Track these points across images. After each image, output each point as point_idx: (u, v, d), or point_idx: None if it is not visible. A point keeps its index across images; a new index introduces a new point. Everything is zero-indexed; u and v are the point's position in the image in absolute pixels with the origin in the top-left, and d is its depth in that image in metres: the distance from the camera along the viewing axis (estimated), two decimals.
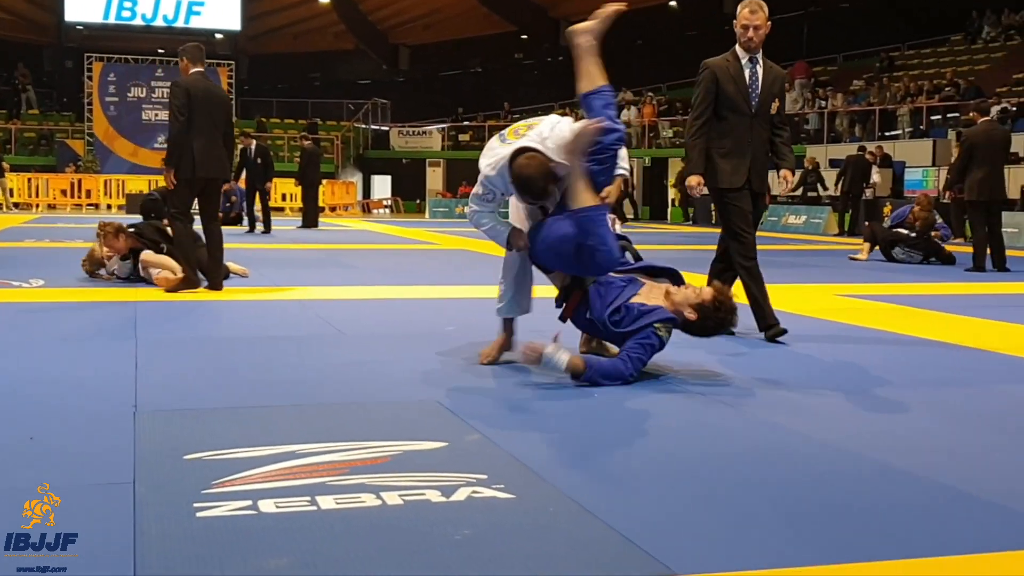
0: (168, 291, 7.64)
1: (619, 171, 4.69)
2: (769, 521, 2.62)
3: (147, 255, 8.17)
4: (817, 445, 3.44)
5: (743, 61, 5.80)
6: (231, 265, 8.74)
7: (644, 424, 3.72)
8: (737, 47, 5.84)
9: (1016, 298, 8.77)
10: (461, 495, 2.76)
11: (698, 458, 3.28)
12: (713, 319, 4.52)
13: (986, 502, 2.82)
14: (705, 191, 5.81)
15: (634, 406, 3.99)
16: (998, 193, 11.35)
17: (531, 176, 4.43)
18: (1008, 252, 11.57)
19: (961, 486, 2.97)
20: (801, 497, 2.85)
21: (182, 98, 7.69)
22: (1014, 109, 22.63)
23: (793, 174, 5.94)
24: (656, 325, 4.41)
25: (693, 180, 5.79)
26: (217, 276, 7.92)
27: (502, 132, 4.78)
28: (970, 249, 11.67)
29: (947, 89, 25.17)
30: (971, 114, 15.10)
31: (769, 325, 5.67)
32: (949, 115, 24.05)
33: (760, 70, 5.80)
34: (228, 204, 17.93)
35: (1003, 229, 11.81)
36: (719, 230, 6.09)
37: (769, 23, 5.81)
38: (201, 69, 8.01)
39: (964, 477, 3.07)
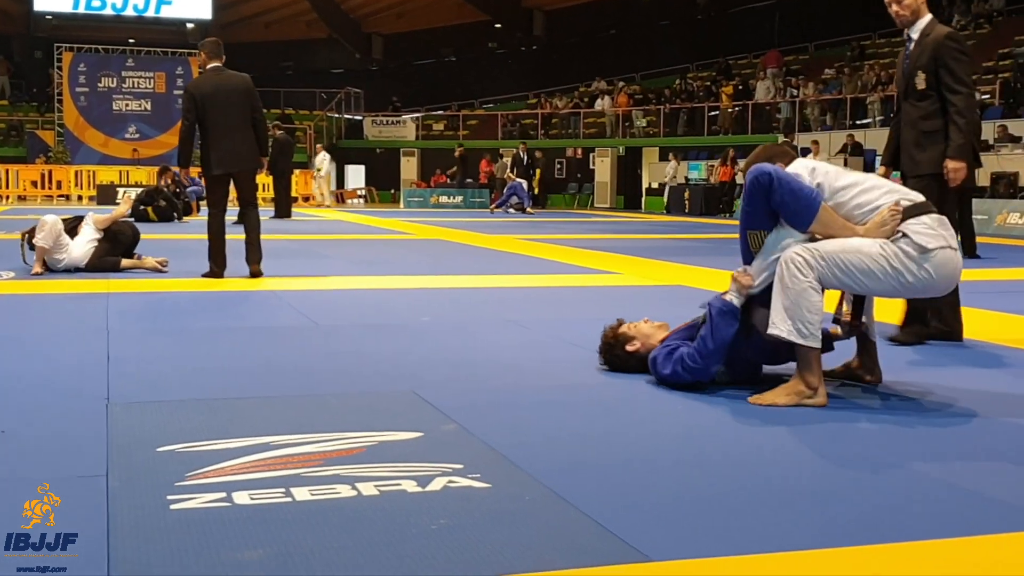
0: (203, 276, 8.12)
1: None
2: (743, 508, 2.64)
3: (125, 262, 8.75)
4: (793, 436, 3.46)
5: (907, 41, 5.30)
6: (147, 259, 8.79)
7: (620, 415, 3.72)
8: None
9: (986, 284, 8.85)
10: (437, 485, 2.76)
11: (673, 448, 3.30)
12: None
13: (964, 489, 2.85)
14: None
15: (611, 398, 4.00)
16: (968, 180, 11.42)
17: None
18: (978, 239, 11.68)
19: (936, 473, 3.00)
20: (775, 484, 2.87)
21: (187, 102, 8.14)
22: (987, 97, 22.82)
23: (959, 160, 5.12)
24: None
25: (879, 171, 5.38)
26: (253, 260, 8.24)
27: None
28: None
29: None
30: None
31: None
32: None
33: (912, 45, 5.23)
34: (177, 192, 17.82)
35: (973, 216, 11.90)
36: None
37: None
38: (218, 64, 8.24)
39: (938, 464, 3.11)
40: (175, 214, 17.06)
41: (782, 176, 3.80)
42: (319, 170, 27.84)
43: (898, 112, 5.47)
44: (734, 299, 3.94)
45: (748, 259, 3.99)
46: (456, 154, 30.13)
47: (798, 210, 3.81)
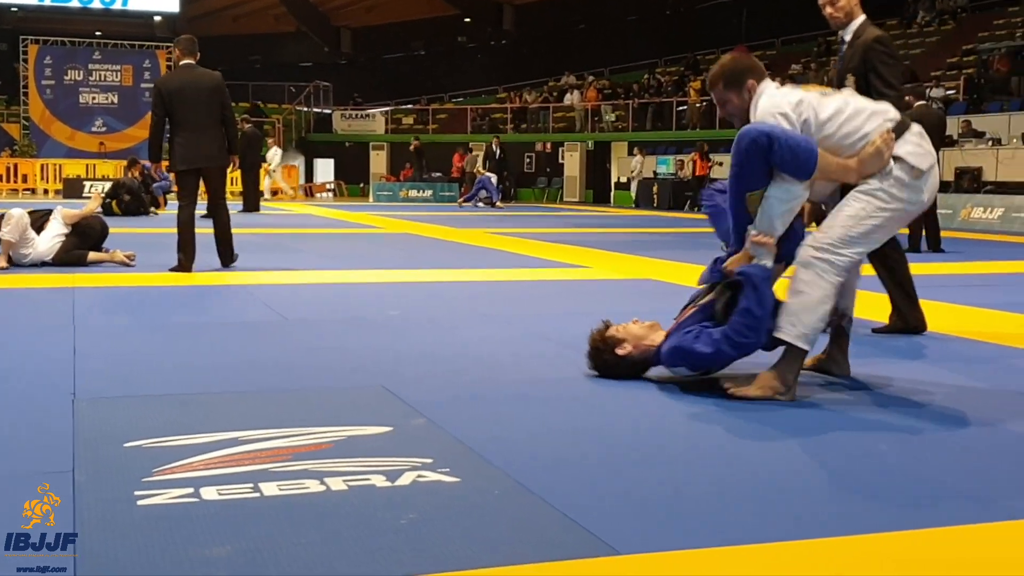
0: (170, 270, 8.16)
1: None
2: (712, 502, 2.66)
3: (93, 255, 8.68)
4: (763, 430, 3.48)
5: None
6: (116, 253, 8.75)
7: (589, 409, 3.74)
8: None
9: (951, 278, 8.94)
10: (406, 479, 2.76)
11: (642, 442, 3.31)
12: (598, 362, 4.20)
13: (935, 479, 2.88)
14: None
15: (581, 392, 4.01)
16: None
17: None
18: (943, 233, 11.79)
19: (904, 465, 3.04)
20: (743, 478, 2.89)
21: (154, 97, 8.30)
22: (951, 93, 23.05)
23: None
24: None
25: None
26: (224, 255, 8.46)
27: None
28: (906, 231, 11.85)
29: None
30: (907, 98, 15.29)
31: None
32: None
33: (845, 47, 5.17)
34: (145, 184, 17.78)
35: (938, 211, 12.01)
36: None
37: None
38: (191, 61, 8.33)
39: (905, 456, 3.14)
40: (141, 208, 16.92)
41: (778, 134, 3.73)
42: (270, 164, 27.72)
43: None
44: (769, 263, 3.85)
45: (742, 222, 3.86)
46: (411, 147, 30.07)
47: (799, 165, 3.75)
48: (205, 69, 8.39)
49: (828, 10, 5.14)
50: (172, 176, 9.08)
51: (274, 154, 27.17)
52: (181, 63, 8.36)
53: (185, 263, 8.16)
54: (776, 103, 3.88)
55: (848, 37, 5.16)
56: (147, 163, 18.80)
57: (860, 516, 2.55)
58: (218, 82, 8.33)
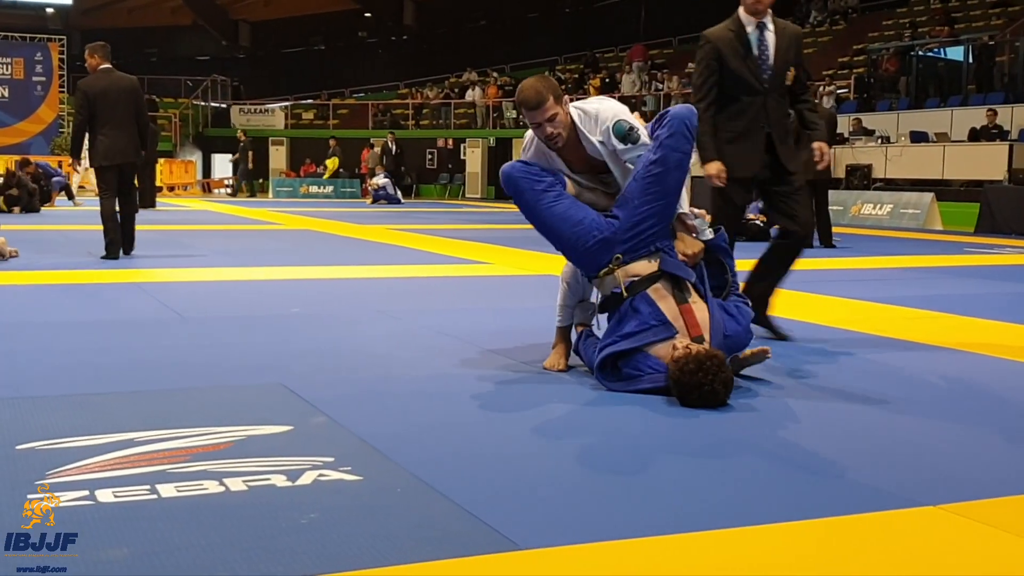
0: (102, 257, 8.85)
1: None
2: (612, 496, 2.70)
3: None
4: (661, 423, 3.54)
5: (749, 28, 4.99)
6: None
7: (492, 405, 3.75)
8: (740, 12, 5.05)
9: (841, 273, 9.20)
10: (307, 479, 2.75)
11: (544, 437, 3.34)
12: (685, 388, 3.65)
13: (811, 470, 2.97)
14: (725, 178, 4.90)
15: (483, 388, 4.02)
16: (824, 172, 11.83)
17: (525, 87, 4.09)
18: (834, 229, 12.12)
19: (795, 457, 3.12)
20: (643, 472, 2.95)
21: (79, 100, 9.02)
22: (843, 92, 23.67)
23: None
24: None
25: (712, 169, 4.90)
26: (124, 245, 9.06)
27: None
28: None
29: None
30: None
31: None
32: None
33: (771, 36, 4.99)
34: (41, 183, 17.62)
35: (829, 207, 12.33)
36: None
37: None
38: (107, 65, 9.04)
39: (796, 449, 3.23)
40: (31, 205, 16.63)
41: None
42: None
43: (715, 105, 5.03)
44: (710, 232, 4.22)
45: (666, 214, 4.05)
46: (239, 138, 29.75)
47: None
48: (122, 73, 9.14)
49: None
50: (79, 172, 9.81)
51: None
52: (100, 68, 8.99)
53: (113, 251, 8.87)
54: (617, 106, 4.17)
55: (771, 26, 5.03)
56: (39, 160, 19.16)
57: (753, 507, 2.61)
58: (135, 85, 9.14)
